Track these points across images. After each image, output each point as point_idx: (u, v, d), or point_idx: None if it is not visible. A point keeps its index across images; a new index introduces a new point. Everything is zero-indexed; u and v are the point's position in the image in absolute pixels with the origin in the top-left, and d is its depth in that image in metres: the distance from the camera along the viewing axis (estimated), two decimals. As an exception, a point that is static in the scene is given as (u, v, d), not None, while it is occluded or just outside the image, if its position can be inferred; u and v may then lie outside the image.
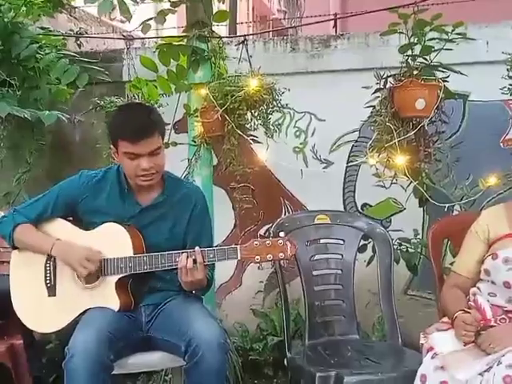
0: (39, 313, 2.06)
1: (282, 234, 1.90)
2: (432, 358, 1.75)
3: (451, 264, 2.11)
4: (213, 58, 2.81)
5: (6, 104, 2.86)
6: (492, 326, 1.81)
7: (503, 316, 1.84)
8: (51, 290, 2.05)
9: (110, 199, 2.08)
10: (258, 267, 3.18)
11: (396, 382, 1.92)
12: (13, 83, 3.03)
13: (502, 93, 2.32)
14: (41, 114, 2.95)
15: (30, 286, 2.07)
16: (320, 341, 2.22)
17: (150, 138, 1.95)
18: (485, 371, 1.67)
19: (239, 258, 1.89)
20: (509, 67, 2.28)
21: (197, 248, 1.91)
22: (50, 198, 2.10)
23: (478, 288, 1.94)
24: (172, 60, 2.85)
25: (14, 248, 2.10)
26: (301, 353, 2.14)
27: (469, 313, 1.83)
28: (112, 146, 2.04)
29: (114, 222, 2.04)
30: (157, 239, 2.05)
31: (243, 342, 3.08)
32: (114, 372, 1.87)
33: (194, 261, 1.89)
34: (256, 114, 2.66)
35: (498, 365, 1.65)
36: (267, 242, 1.86)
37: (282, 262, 2.23)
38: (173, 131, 3.06)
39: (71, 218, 2.13)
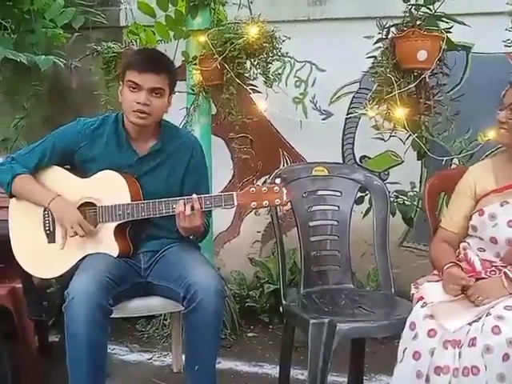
0: (39, 259, 2.08)
1: (277, 180, 1.91)
2: (422, 306, 1.79)
3: (447, 217, 2.13)
4: (212, 4, 2.75)
5: (2, 48, 2.81)
6: (483, 278, 1.84)
7: (493, 268, 1.87)
8: (50, 237, 2.08)
9: (107, 147, 2.07)
10: (255, 213, 3.24)
11: (387, 329, 1.96)
12: (8, 26, 2.97)
13: (506, 45, 2.28)
14: (37, 58, 2.91)
15: (30, 232, 2.09)
16: (315, 289, 2.26)
17: (156, 74, 1.97)
18: (473, 321, 1.71)
19: (236, 204, 1.89)
20: (513, 19, 2.24)
21: (194, 195, 1.92)
22: (47, 146, 2.09)
23: (468, 243, 1.97)
24: (170, 5, 2.79)
25: (11, 196, 2.11)
26: (296, 300, 2.18)
27: (458, 265, 1.87)
28: (121, 83, 2.05)
29: (112, 169, 2.04)
30: (154, 188, 2.06)
31: (240, 289, 3.15)
32: (113, 315, 1.91)
33: (192, 207, 1.91)
34: (255, 62, 2.63)
35: (486, 316, 1.70)
36: (263, 188, 1.87)
37: (278, 210, 2.25)
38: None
39: (69, 166, 2.13)
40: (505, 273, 1.80)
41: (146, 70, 1.96)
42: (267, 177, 2.34)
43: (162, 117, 2.09)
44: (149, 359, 2.75)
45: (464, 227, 1.98)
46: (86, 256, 2.02)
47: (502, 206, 1.89)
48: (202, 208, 1.91)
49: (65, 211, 2.02)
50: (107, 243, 2.01)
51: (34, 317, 2.22)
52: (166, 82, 2.00)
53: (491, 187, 1.94)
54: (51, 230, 2.07)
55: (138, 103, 1.97)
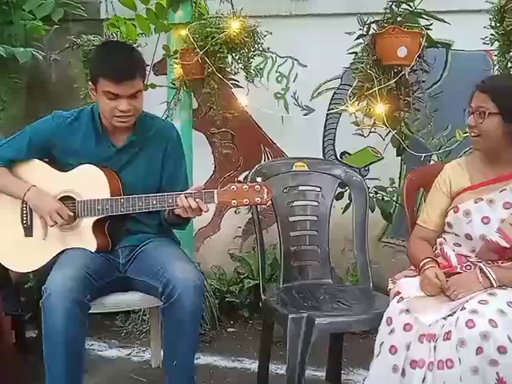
0: (16, 253, 2.07)
1: (258, 179, 1.92)
2: (398, 301, 1.80)
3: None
4: (193, -3, 2.73)
5: (-21, 39, 2.77)
6: (458, 273, 1.87)
7: (468, 263, 1.90)
8: (28, 231, 2.06)
9: (84, 140, 2.06)
10: (235, 211, 3.24)
11: (365, 323, 1.98)
12: (-15, 18, 2.92)
13: (484, 43, 2.30)
14: (15, 50, 2.87)
15: (7, 225, 2.08)
16: (294, 284, 2.27)
17: (132, 80, 1.93)
18: (448, 315, 1.73)
19: (216, 201, 1.90)
20: (491, 17, 2.26)
21: (180, 198, 1.88)
22: (24, 139, 2.07)
23: (444, 238, 1.99)
24: (151, -2, 2.77)
25: None
26: (275, 295, 2.19)
27: (435, 261, 1.89)
28: (91, 83, 2.00)
29: (91, 163, 2.03)
30: (134, 178, 2.06)
31: (220, 284, 3.15)
32: (91, 311, 1.91)
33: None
34: (237, 57, 2.62)
35: (461, 310, 1.72)
36: (244, 186, 1.87)
37: (258, 206, 2.26)
38: (152, 73, 3.00)
39: (47, 160, 2.11)
40: (480, 267, 1.83)
41: (122, 80, 1.91)
42: (248, 172, 2.33)
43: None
44: (128, 355, 2.73)
45: (440, 224, 2.00)
46: (64, 251, 2.01)
47: (476, 202, 1.91)
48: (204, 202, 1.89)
49: (42, 201, 2.00)
50: (85, 238, 2.00)
51: (9, 312, 2.20)
52: (140, 81, 1.98)
53: (466, 184, 1.96)
54: (29, 223, 2.06)
55: (121, 111, 1.94)
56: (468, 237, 1.91)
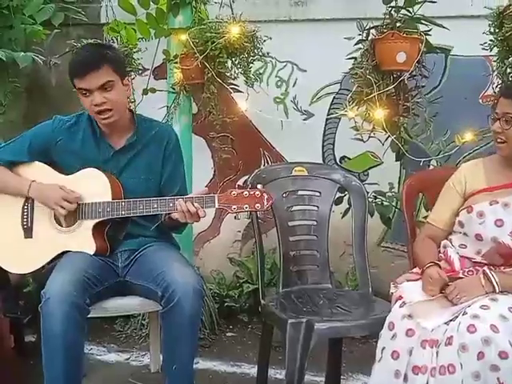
0: (15, 254, 2.06)
1: (259, 185, 1.92)
2: (400, 306, 1.80)
3: (424, 218, 2.16)
4: (194, 2, 2.74)
5: (-21, 44, 2.78)
6: (460, 278, 1.86)
7: (471, 268, 1.89)
8: (27, 232, 2.06)
9: (84, 144, 2.08)
10: (235, 217, 3.23)
11: (364, 328, 1.98)
12: (-15, 22, 2.93)
13: (483, 48, 2.31)
14: (15, 55, 2.87)
15: (6, 227, 2.08)
16: (293, 289, 2.26)
17: (96, 71, 1.94)
18: (450, 320, 1.73)
19: (216, 206, 1.91)
20: (490, 22, 2.27)
21: (180, 201, 1.90)
22: (24, 142, 2.08)
23: (450, 240, 1.98)
24: (152, 3, 2.78)
25: None
26: (274, 300, 2.18)
27: (438, 265, 1.88)
28: (75, 88, 2.03)
29: (93, 167, 2.03)
30: (135, 179, 2.07)
31: (220, 289, 3.15)
32: (90, 315, 1.90)
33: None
34: (237, 62, 2.63)
35: (463, 315, 1.72)
36: (245, 192, 1.88)
37: (258, 212, 2.26)
38: (152, 77, 3.01)
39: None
40: (483, 271, 1.82)
41: (84, 73, 1.94)
42: (248, 176, 2.34)
43: (126, 105, 2.09)
44: (126, 359, 2.73)
45: (450, 224, 2.00)
46: (62, 253, 2.01)
47: (491, 204, 1.91)
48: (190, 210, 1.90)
49: (46, 192, 2.02)
50: (85, 241, 2.00)
51: (8, 314, 2.19)
52: (110, 72, 1.97)
53: (481, 186, 1.95)
54: (29, 225, 2.06)
55: (96, 105, 1.96)
56: (478, 237, 1.90)
